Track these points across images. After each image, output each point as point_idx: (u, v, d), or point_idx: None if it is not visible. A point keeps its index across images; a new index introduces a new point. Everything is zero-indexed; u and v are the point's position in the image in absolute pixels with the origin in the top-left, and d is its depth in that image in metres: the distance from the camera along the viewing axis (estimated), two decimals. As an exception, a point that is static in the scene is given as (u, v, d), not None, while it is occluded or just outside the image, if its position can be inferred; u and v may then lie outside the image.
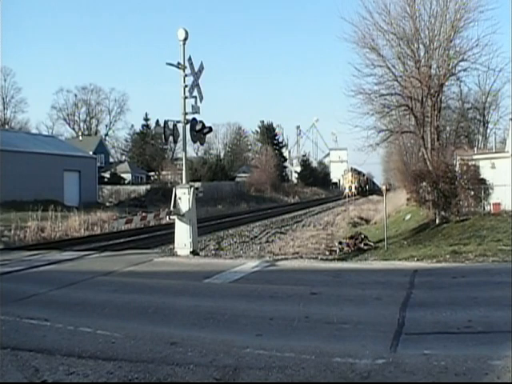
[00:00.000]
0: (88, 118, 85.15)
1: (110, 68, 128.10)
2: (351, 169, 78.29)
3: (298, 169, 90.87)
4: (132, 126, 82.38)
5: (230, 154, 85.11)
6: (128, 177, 63.25)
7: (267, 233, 26.20)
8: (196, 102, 13.82)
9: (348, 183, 75.38)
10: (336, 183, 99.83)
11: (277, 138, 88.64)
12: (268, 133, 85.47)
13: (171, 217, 14.04)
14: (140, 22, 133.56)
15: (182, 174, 14.88)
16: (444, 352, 5.00)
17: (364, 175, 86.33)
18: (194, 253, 13.48)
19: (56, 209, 26.08)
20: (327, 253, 18.56)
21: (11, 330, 6.25)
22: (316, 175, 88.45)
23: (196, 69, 13.87)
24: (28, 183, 31.87)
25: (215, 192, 52.17)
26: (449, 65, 23.05)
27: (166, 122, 13.61)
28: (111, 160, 74.61)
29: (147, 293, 8.66)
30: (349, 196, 65.44)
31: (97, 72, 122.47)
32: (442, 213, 21.69)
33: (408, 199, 30.29)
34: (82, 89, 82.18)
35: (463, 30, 22.96)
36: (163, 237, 20.59)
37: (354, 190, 72.90)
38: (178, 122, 13.73)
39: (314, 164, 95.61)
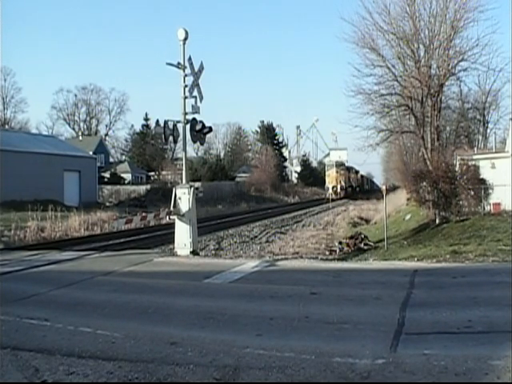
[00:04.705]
0: (88, 118, 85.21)
1: (110, 68, 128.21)
2: (336, 163, 64.20)
3: (298, 169, 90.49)
4: (132, 126, 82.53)
5: (230, 153, 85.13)
6: (128, 177, 63.26)
7: (267, 233, 26.19)
8: (196, 102, 13.82)
9: (331, 182, 62.28)
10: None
11: (277, 138, 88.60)
12: (268, 133, 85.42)
13: (171, 217, 14.05)
14: (140, 21, 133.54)
15: (182, 173, 14.88)
16: (444, 352, 5.01)
17: (357, 172, 74.16)
18: (194, 253, 13.49)
19: (56, 209, 26.07)
20: (327, 253, 18.55)
21: (11, 329, 6.26)
22: (316, 175, 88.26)
23: (196, 69, 13.88)
24: (28, 183, 31.86)
25: (215, 192, 52.14)
26: (449, 65, 23.05)
27: (165, 122, 13.62)
28: (111, 160, 74.63)
29: (147, 293, 8.66)
30: (332, 199, 54.37)
31: (97, 72, 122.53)
32: (442, 213, 21.68)
33: (408, 199, 30.35)
34: (82, 89, 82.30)
35: (463, 30, 23.01)
36: (163, 237, 20.58)
37: (339, 190, 61.52)
38: (178, 121, 13.73)
39: (314, 164, 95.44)
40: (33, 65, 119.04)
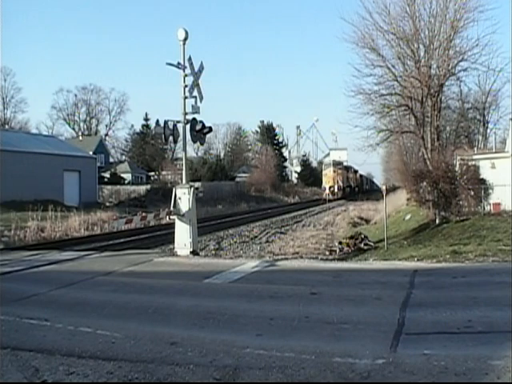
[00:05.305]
0: (88, 118, 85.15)
1: (110, 68, 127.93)
2: (334, 163, 61.73)
3: (298, 169, 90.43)
4: (132, 125, 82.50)
5: (230, 154, 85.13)
6: (128, 177, 63.26)
7: (267, 233, 26.18)
8: (196, 102, 13.82)
9: (328, 182, 59.22)
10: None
11: (277, 138, 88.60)
12: (268, 133, 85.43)
13: (171, 217, 14.05)
14: (140, 21, 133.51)
15: (182, 173, 14.88)
16: (444, 352, 5.01)
17: (356, 172, 71.86)
18: (194, 253, 13.48)
19: (56, 209, 26.10)
20: (327, 253, 18.55)
21: (11, 330, 6.26)
22: (316, 175, 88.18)
23: (196, 69, 13.88)
24: (28, 183, 31.87)
25: (215, 192, 52.16)
26: (449, 65, 23.05)
27: (165, 122, 13.61)
28: (111, 160, 74.60)
29: (147, 293, 8.66)
30: (329, 200, 53.90)
31: (97, 72, 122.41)
32: (442, 213, 21.69)
33: (408, 199, 30.33)
34: (81, 89, 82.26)
35: (463, 30, 23.01)
36: (163, 237, 20.58)
37: (337, 190, 58.93)
38: (178, 121, 13.73)
39: (314, 164, 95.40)
40: (33, 65, 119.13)
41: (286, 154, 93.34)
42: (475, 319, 6.12)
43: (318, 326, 6.26)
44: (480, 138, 42.94)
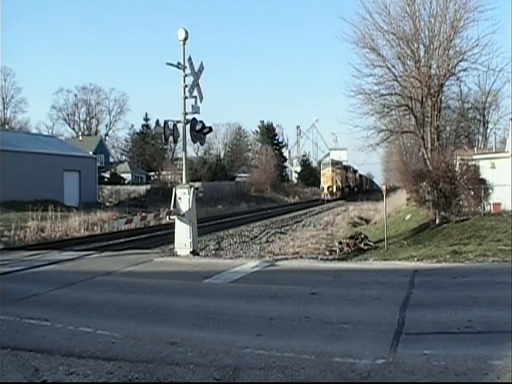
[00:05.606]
0: (88, 118, 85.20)
1: (110, 68, 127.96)
2: (332, 162, 60.24)
3: (298, 169, 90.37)
4: (132, 126, 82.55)
5: (230, 154, 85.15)
6: (128, 177, 63.27)
7: (267, 233, 26.18)
8: (196, 102, 13.83)
9: (327, 182, 57.85)
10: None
11: (277, 138, 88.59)
12: (268, 133, 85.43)
13: (171, 217, 14.06)
14: (140, 21, 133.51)
15: (182, 173, 14.89)
16: (444, 352, 5.01)
17: (356, 171, 70.56)
18: (194, 253, 13.49)
19: (56, 209, 26.12)
20: (327, 253, 18.55)
21: (11, 330, 6.26)
22: (316, 175, 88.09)
23: (196, 69, 13.89)
24: (28, 183, 31.86)
25: (215, 192, 52.16)
26: (449, 65, 23.05)
27: (166, 122, 13.62)
28: (111, 160, 74.64)
29: (147, 293, 8.66)
30: (328, 200, 52.98)
31: (97, 72, 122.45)
32: (442, 213, 21.68)
33: (408, 199, 30.33)
34: (81, 89, 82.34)
35: (463, 30, 22.99)
36: (163, 237, 20.59)
37: (335, 190, 57.44)
38: (178, 122, 13.74)
39: (314, 164, 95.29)
40: (33, 65, 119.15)
41: (286, 154, 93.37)
42: (475, 319, 6.12)
43: (318, 325, 6.26)
44: (480, 138, 42.93)
